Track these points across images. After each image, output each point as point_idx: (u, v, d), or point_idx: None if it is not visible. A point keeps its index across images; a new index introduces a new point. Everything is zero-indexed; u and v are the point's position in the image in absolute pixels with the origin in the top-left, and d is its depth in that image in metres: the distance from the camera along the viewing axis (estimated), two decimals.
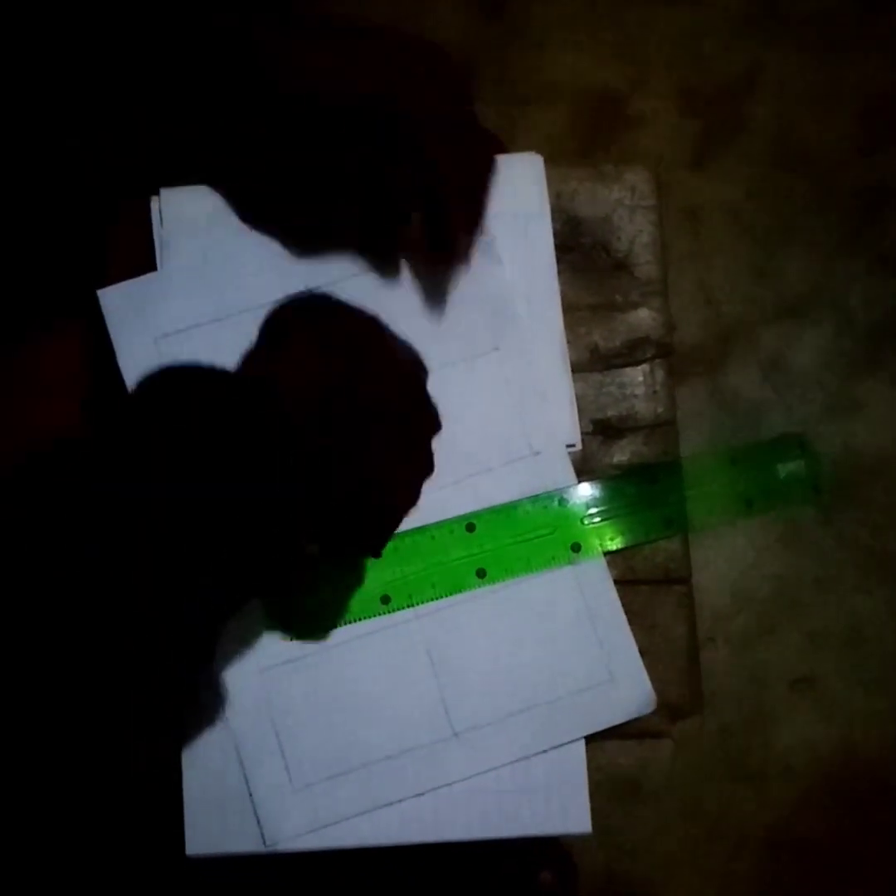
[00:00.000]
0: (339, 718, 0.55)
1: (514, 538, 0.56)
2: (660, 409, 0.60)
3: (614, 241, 0.61)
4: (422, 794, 0.54)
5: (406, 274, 0.58)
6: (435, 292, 0.58)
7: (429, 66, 0.51)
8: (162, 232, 0.58)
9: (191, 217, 0.58)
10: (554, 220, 0.60)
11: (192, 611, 0.36)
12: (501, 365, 0.58)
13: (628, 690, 0.56)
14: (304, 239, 0.57)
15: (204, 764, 0.54)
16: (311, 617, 0.55)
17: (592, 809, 0.55)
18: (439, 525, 0.56)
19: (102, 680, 0.34)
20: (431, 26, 1.37)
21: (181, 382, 0.38)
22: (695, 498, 0.58)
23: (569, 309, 0.59)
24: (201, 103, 0.50)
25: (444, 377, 0.57)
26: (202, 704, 0.54)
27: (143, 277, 0.58)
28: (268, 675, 0.55)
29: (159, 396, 0.38)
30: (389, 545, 0.49)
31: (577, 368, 0.59)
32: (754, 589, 1.27)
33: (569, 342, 0.59)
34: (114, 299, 0.57)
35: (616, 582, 0.57)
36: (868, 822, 1.24)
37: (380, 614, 0.56)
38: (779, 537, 1.28)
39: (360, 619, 0.56)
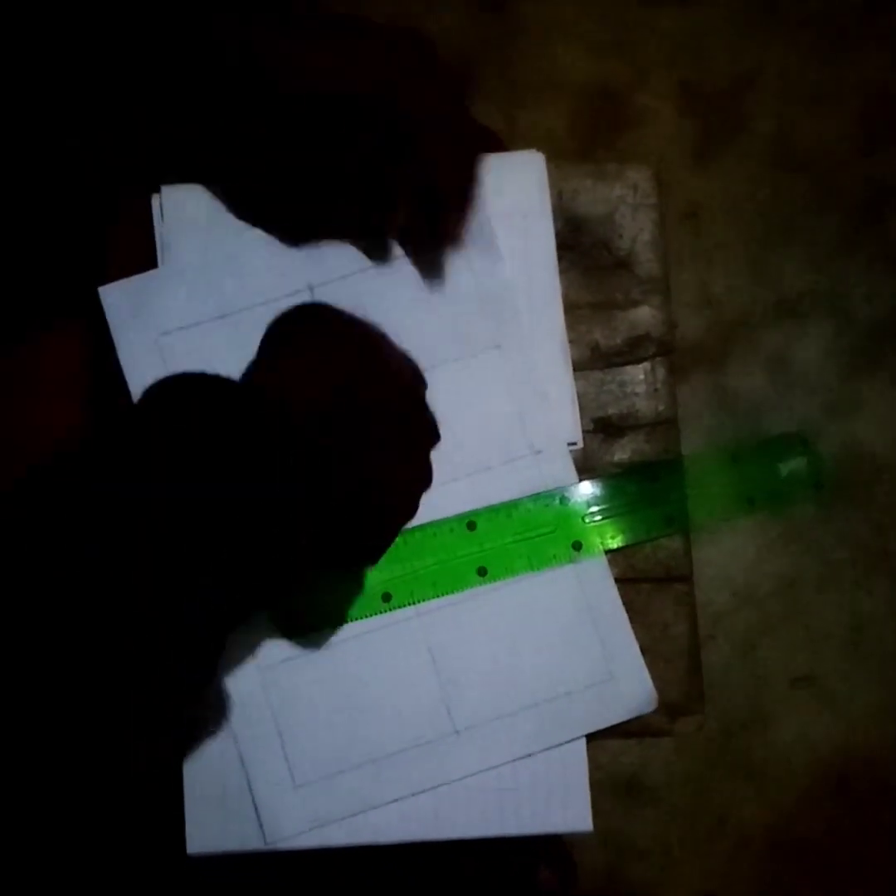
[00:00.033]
0: (340, 716, 0.55)
1: (515, 536, 0.56)
2: (661, 408, 0.60)
3: (615, 239, 0.61)
4: (423, 791, 0.54)
5: (406, 271, 0.58)
6: (430, 274, 0.58)
7: (422, 63, 0.51)
8: (163, 229, 0.58)
9: (192, 214, 0.58)
10: (555, 218, 0.60)
11: (192, 611, 0.36)
12: (502, 363, 0.58)
13: (629, 689, 0.56)
14: (296, 228, 0.57)
15: (205, 761, 0.54)
16: (310, 621, 0.55)
17: (593, 808, 0.55)
18: (440, 523, 0.56)
19: (102, 680, 0.34)
20: (433, 24, 1.37)
21: (185, 390, 0.39)
22: (696, 496, 0.58)
23: (570, 307, 0.59)
24: (198, 102, 0.50)
25: (445, 375, 0.57)
26: (204, 704, 0.54)
27: (144, 275, 0.57)
28: (269, 672, 0.55)
29: (162, 403, 0.38)
30: None
31: (578, 366, 0.59)
32: (755, 587, 1.27)
33: (570, 340, 0.59)
34: (115, 296, 0.57)
35: (617, 580, 0.57)
36: (868, 821, 1.24)
37: (381, 612, 0.56)
38: (780, 536, 1.28)
39: (361, 618, 0.56)
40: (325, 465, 0.39)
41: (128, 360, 0.56)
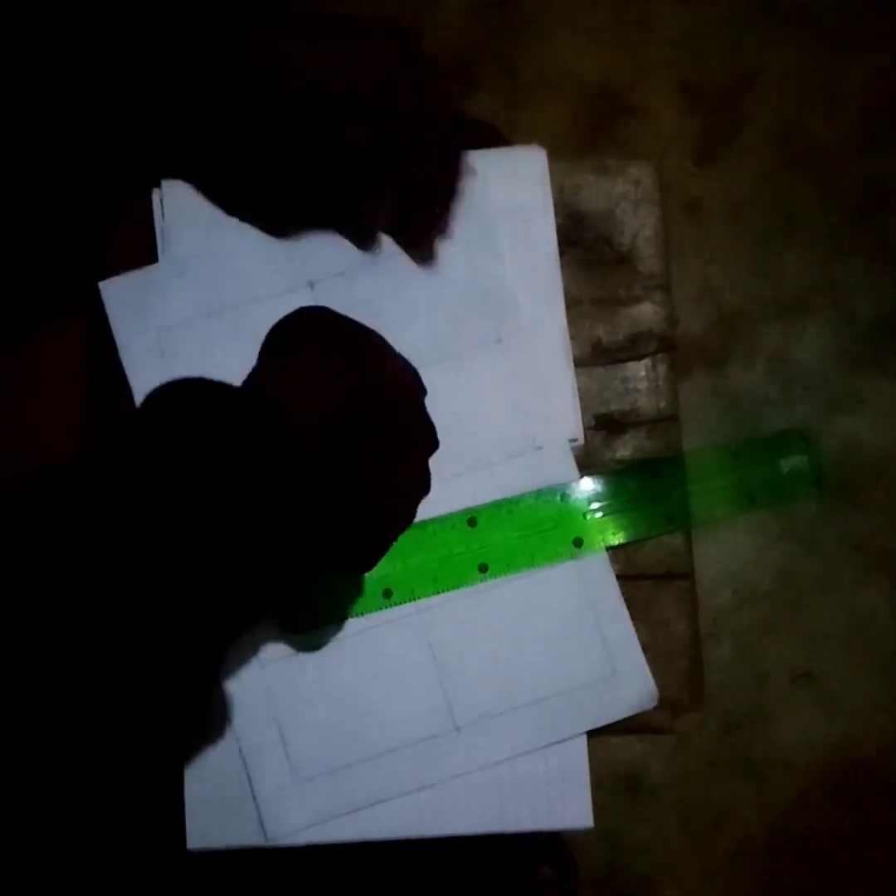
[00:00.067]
0: (340, 712, 0.55)
1: (516, 533, 0.56)
2: (662, 404, 0.59)
3: (617, 234, 0.61)
4: (423, 788, 0.54)
5: (407, 267, 0.58)
6: (422, 261, 0.58)
7: (409, 59, 0.51)
8: (163, 224, 0.58)
9: (192, 209, 0.58)
10: (557, 213, 0.60)
11: (192, 611, 0.36)
12: (504, 359, 0.58)
13: (630, 686, 0.56)
14: (284, 221, 0.57)
15: (205, 757, 0.54)
16: (311, 618, 0.55)
17: (593, 805, 0.55)
18: (441, 519, 0.56)
19: (102, 680, 0.34)
20: (435, 20, 1.37)
21: (185, 395, 0.39)
22: (697, 493, 0.58)
23: (571, 303, 0.59)
24: (196, 100, 0.50)
25: (446, 371, 0.57)
26: (206, 706, 0.54)
27: (143, 269, 0.57)
28: (269, 668, 0.55)
29: (163, 407, 0.38)
30: None
31: (579, 362, 0.59)
32: (756, 585, 1.27)
33: (571, 336, 0.59)
34: (115, 291, 0.57)
35: (618, 577, 0.57)
36: (868, 819, 1.24)
37: (381, 609, 0.55)
38: (781, 533, 1.28)
39: (361, 614, 0.55)
40: (324, 468, 0.40)
41: (128, 355, 0.56)
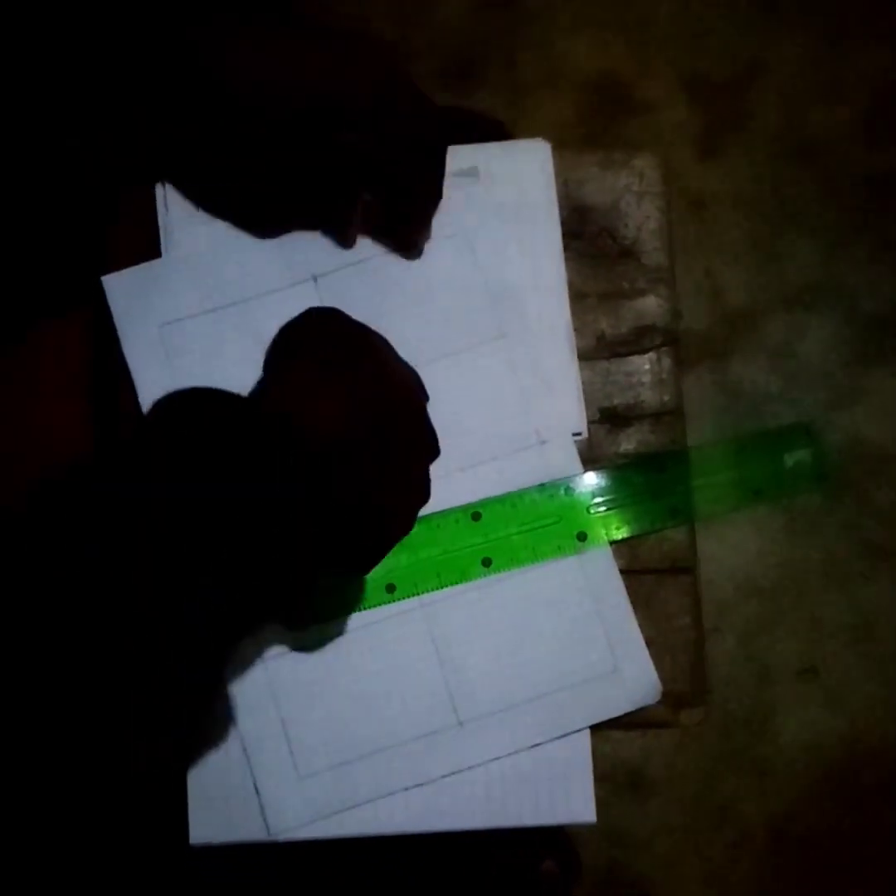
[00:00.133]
0: (344, 707, 0.55)
1: (519, 527, 0.56)
2: (666, 398, 0.59)
3: (621, 227, 0.61)
4: (426, 783, 0.54)
5: (408, 263, 0.58)
6: (406, 255, 0.58)
7: (381, 66, 0.51)
8: (166, 218, 0.58)
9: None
10: (561, 206, 0.60)
11: (192, 611, 0.36)
12: (507, 353, 0.58)
13: (633, 680, 0.56)
14: (264, 221, 0.58)
15: (208, 753, 0.54)
16: (314, 613, 0.55)
17: (596, 799, 0.55)
18: (445, 514, 0.56)
19: (102, 679, 0.34)
20: (438, 17, 1.37)
21: (189, 402, 0.39)
22: (701, 487, 0.58)
23: (575, 296, 0.59)
24: (181, 106, 0.50)
25: (450, 365, 0.57)
26: (210, 709, 0.54)
27: (146, 264, 0.57)
28: (272, 663, 0.55)
29: (166, 413, 0.39)
30: None
31: (583, 356, 0.59)
32: (760, 579, 1.27)
33: (575, 329, 0.58)
34: (118, 286, 0.57)
35: (622, 571, 0.56)
36: (871, 815, 1.24)
37: (385, 603, 0.55)
38: (784, 528, 1.28)
39: (364, 609, 0.55)
40: (324, 470, 0.40)
41: (130, 350, 0.56)
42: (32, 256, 0.58)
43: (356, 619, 0.55)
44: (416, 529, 0.55)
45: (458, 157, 0.58)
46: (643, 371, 0.59)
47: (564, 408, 0.58)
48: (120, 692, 0.35)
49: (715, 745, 1.24)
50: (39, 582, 0.34)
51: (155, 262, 0.58)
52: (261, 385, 0.44)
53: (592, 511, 0.57)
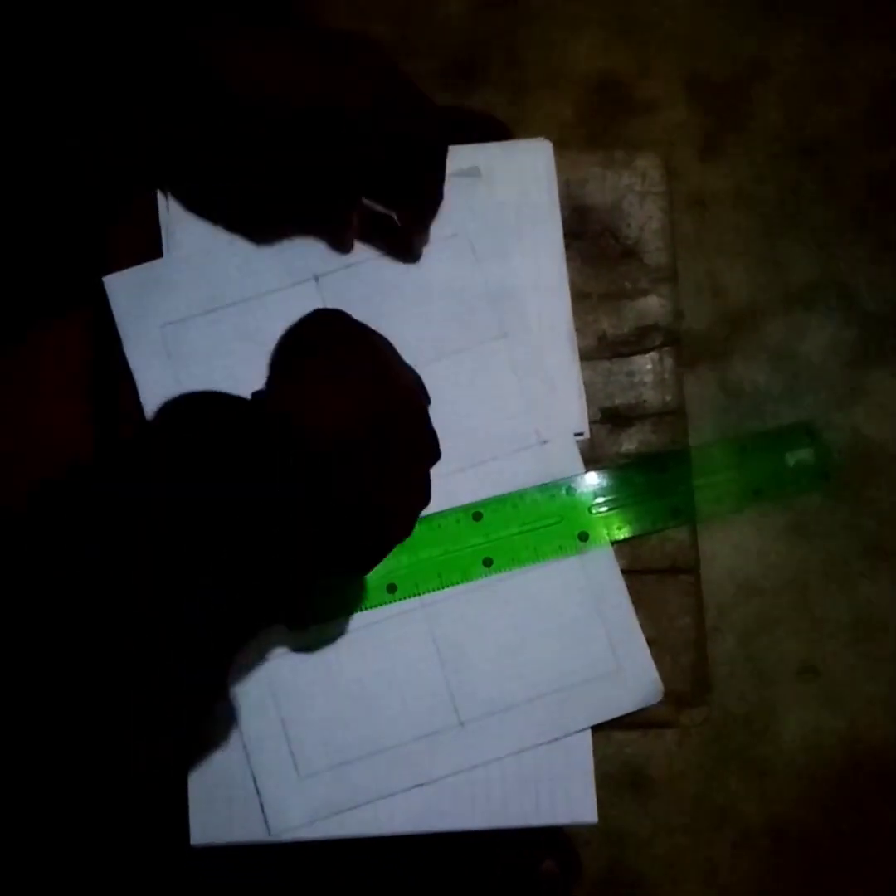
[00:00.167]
0: (344, 707, 0.55)
1: (521, 527, 0.56)
2: (668, 398, 0.59)
3: (623, 227, 0.60)
4: (427, 783, 0.54)
5: (410, 264, 0.58)
6: (403, 259, 0.58)
7: (377, 67, 0.51)
8: (168, 218, 0.58)
9: None
10: (563, 206, 0.60)
11: (192, 611, 0.36)
12: (509, 352, 0.58)
13: (635, 680, 0.55)
14: (261, 227, 0.58)
15: (208, 753, 0.54)
16: (315, 613, 0.55)
17: (597, 799, 0.55)
18: (446, 514, 0.56)
19: (102, 679, 0.34)
20: (440, 16, 1.37)
21: (192, 405, 0.39)
22: (703, 487, 0.58)
23: (577, 296, 0.59)
24: (183, 107, 0.50)
25: (452, 364, 0.57)
26: (212, 712, 0.54)
27: (148, 264, 0.57)
28: (273, 663, 0.55)
29: (169, 416, 0.39)
30: None
31: (585, 356, 0.59)
32: (761, 579, 1.27)
33: (577, 329, 0.58)
34: (119, 285, 0.57)
35: (623, 571, 0.56)
36: (872, 815, 1.24)
37: (386, 603, 0.55)
38: (786, 528, 1.28)
39: (365, 609, 0.55)
40: (324, 470, 0.40)
41: (132, 350, 0.56)
42: (32, 256, 0.58)
43: (357, 620, 0.55)
44: (417, 529, 0.55)
45: (459, 157, 0.58)
46: (645, 371, 0.59)
47: (566, 408, 0.58)
48: (120, 692, 0.35)
49: (716, 744, 1.24)
50: (39, 582, 0.34)
51: (156, 262, 0.57)
52: (266, 386, 0.44)
53: (594, 511, 0.57)
